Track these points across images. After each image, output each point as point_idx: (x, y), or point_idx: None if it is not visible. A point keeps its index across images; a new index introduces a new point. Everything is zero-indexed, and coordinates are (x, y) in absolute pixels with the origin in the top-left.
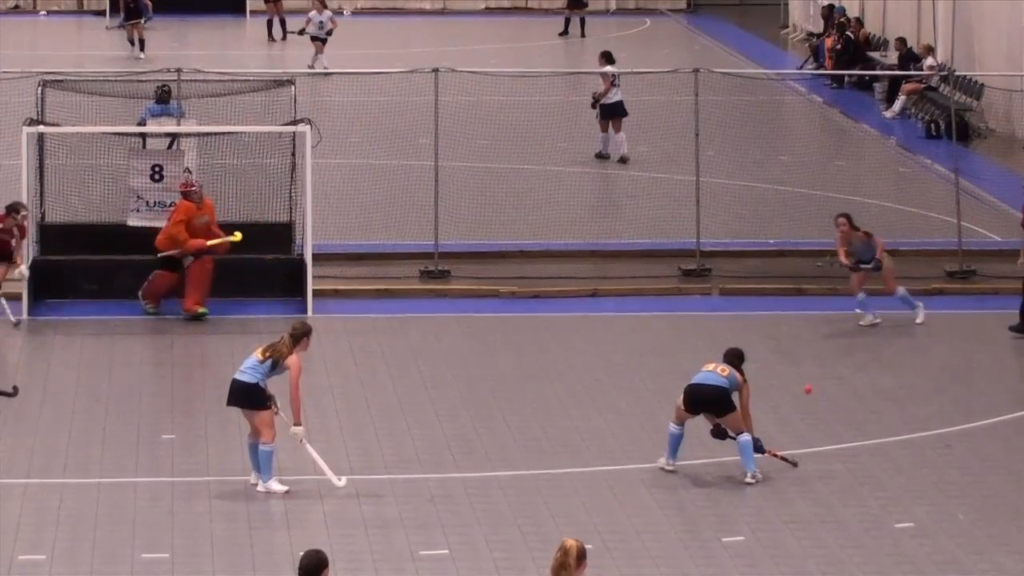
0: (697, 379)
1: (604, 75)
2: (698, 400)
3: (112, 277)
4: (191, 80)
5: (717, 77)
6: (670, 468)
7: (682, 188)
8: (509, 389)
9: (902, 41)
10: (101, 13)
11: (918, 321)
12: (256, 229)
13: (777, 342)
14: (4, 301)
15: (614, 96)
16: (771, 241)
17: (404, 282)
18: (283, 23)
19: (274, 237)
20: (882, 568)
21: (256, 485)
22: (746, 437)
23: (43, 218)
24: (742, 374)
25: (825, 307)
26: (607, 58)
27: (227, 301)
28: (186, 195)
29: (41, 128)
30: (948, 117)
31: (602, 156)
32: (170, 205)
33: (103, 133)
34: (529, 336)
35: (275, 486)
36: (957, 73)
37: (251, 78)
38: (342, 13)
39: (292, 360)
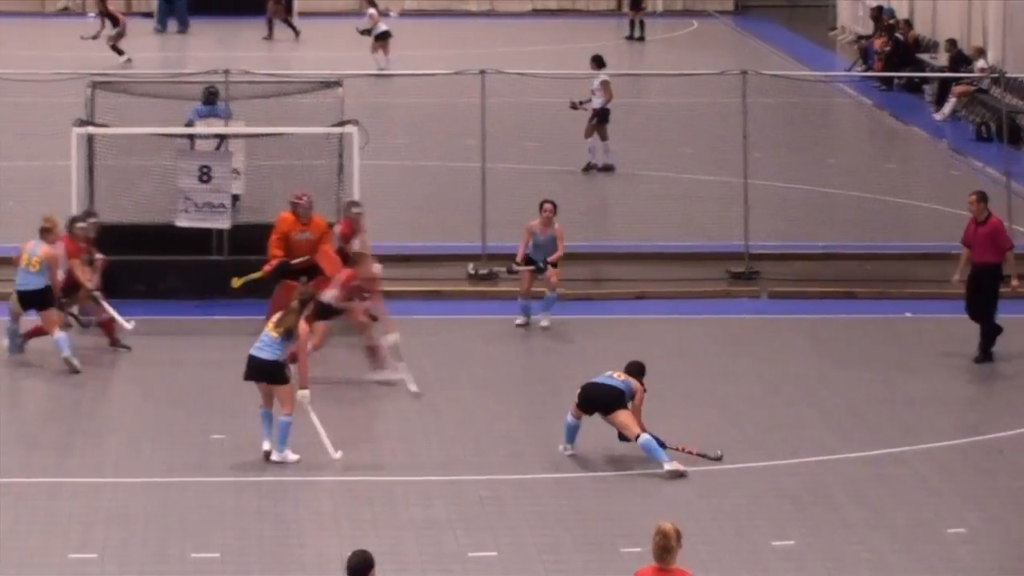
0: (595, 379)
1: (604, 81)
2: (590, 398)
3: (161, 278)
4: (239, 81)
5: (765, 79)
6: (568, 453)
7: (730, 190)
8: (557, 391)
9: (952, 43)
10: (149, 15)
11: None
12: None
13: (826, 345)
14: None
15: (599, 102)
16: (820, 244)
17: (452, 283)
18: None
19: None
20: (934, 573)
21: (270, 453)
22: (645, 436)
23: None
24: (641, 384)
25: (874, 311)
26: (599, 62)
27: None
28: (292, 206)
29: (91, 129)
30: (999, 119)
31: (608, 167)
32: (218, 206)
33: (152, 134)
34: (577, 338)
35: (290, 456)
36: (1008, 75)
37: (298, 79)
38: (388, 14)
39: (301, 327)
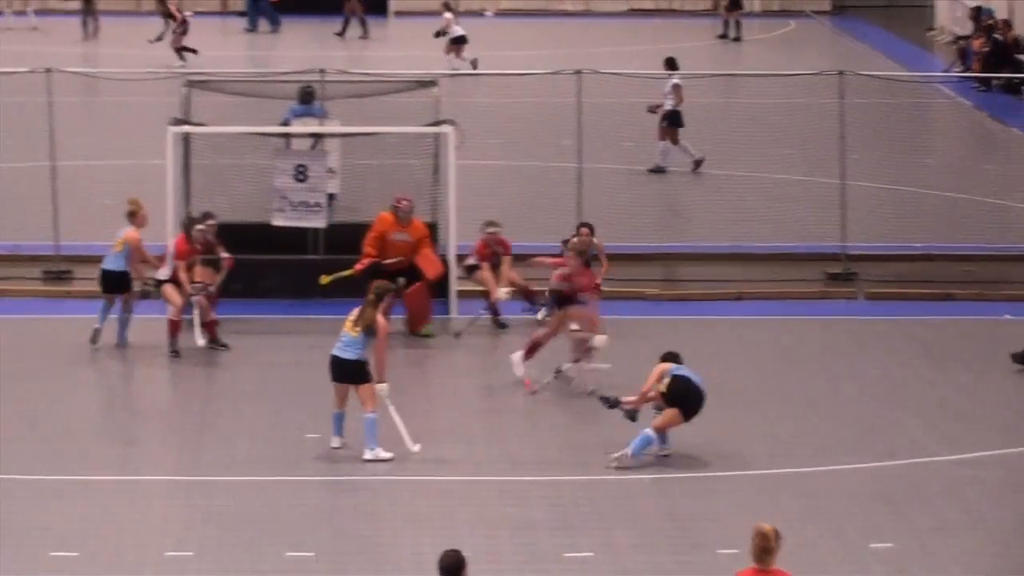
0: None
1: (676, 86)
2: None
3: (257, 277)
4: (334, 81)
5: (862, 80)
6: (664, 453)
7: (827, 191)
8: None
9: None
10: (244, 14)
11: None
12: None
13: (923, 346)
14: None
15: (671, 105)
16: (917, 245)
17: (544, 284)
18: (362, 21)
19: None
20: None
21: (339, 448)
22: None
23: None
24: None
25: (973, 312)
26: (671, 64)
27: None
28: (393, 208)
29: (186, 128)
30: None
31: (659, 168)
32: (314, 205)
33: (247, 133)
34: (674, 339)
35: (383, 453)
36: None
37: (394, 79)
38: (484, 14)
39: (380, 322)
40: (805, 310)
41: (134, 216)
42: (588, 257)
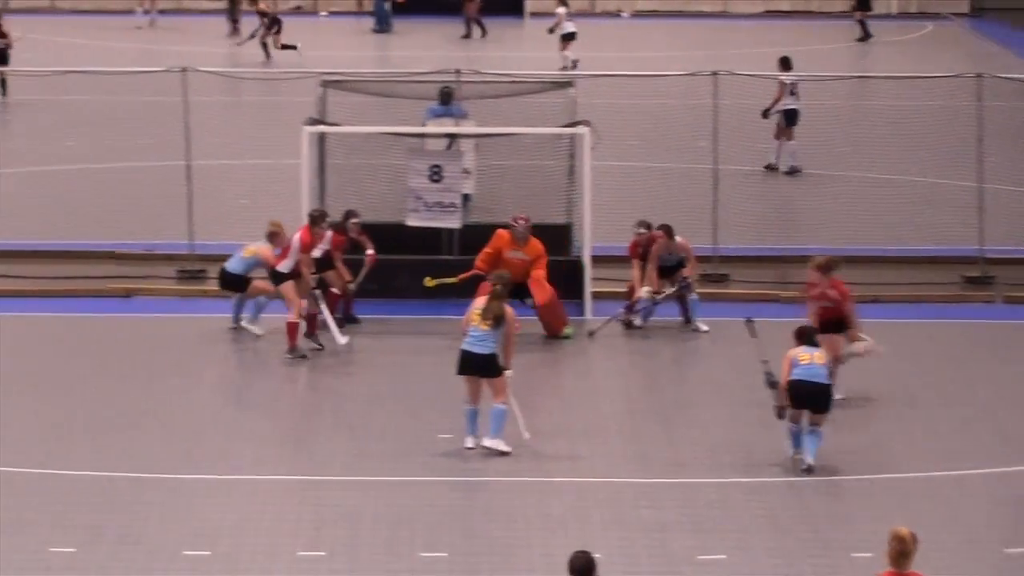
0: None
1: (780, 82)
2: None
3: (392, 277)
4: (470, 81)
5: (1001, 82)
6: (798, 458)
7: (964, 194)
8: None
9: None
10: (370, 14)
11: None
12: (534, 230)
13: None
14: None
15: (789, 104)
16: None
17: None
18: (480, 23)
19: (552, 238)
20: None
21: (473, 448)
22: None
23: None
24: None
25: None
26: (785, 63)
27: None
28: (510, 227)
29: (322, 128)
30: None
31: (772, 167)
32: (449, 205)
33: (382, 133)
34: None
35: (503, 446)
36: None
37: (530, 80)
38: (620, 16)
39: (508, 312)
40: (942, 314)
41: (274, 237)
42: (830, 269)
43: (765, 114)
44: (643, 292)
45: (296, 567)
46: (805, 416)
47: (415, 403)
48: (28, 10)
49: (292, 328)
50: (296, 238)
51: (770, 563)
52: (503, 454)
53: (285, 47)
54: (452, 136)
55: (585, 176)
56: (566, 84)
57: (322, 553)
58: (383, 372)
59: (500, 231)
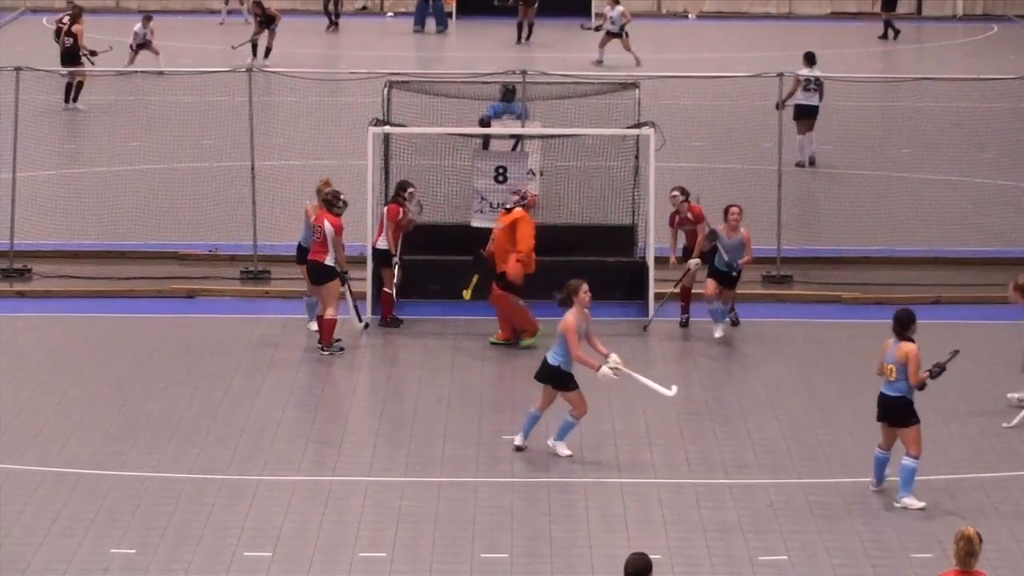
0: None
1: (795, 77)
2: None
3: (456, 278)
4: (535, 82)
5: None
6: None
7: None
8: (851, 395)
9: None
10: (410, 14)
11: None
12: (598, 231)
13: None
14: (352, 301)
15: (806, 99)
16: None
17: (745, 286)
18: (531, 27)
19: (616, 240)
20: None
21: (521, 448)
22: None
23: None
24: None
25: None
26: (809, 60)
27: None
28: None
29: (387, 128)
30: None
31: (801, 164)
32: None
33: (447, 134)
34: (871, 343)
35: (563, 449)
36: None
37: (595, 80)
38: (686, 17)
39: (565, 322)
40: (1005, 315)
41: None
42: None
43: (779, 106)
44: (691, 263)
45: (357, 568)
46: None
47: (479, 404)
48: (94, 10)
49: (328, 325)
50: (328, 226)
51: (831, 563)
52: (566, 456)
53: (267, 51)
54: (518, 137)
55: (650, 177)
56: (631, 85)
57: (383, 554)
58: (446, 373)
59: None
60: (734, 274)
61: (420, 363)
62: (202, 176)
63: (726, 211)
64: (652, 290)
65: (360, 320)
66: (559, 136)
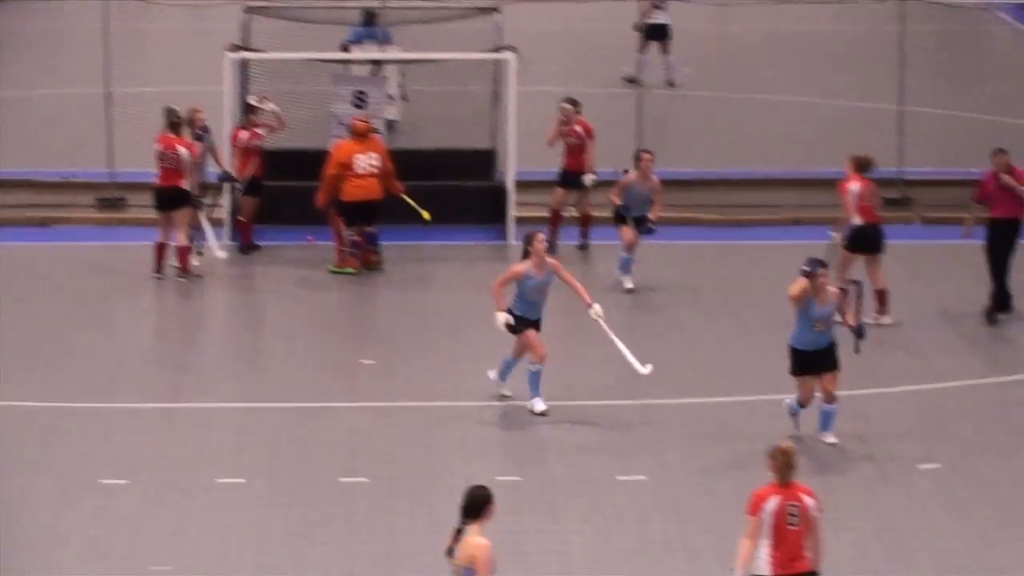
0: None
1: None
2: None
3: (313, 203)
4: (396, 7)
5: (923, 6)
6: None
7: (885, 117)
8: (711, 316)
9: None
10: None
11: None
12: (458, 156)
13: (979, 271)
14: (209, 228)
15: (657, 18)
16: (975, 171)
17: (604, 209)
18: None
19: (476, 164)
20: None
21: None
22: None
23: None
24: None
25: None
26: None
27: (427, 228)
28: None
29: (244, 54)
30: None
31: (633, 80)
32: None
33: (306, 59)
34: (731, 264)
35: (539, 405)
36: None
37: (455, 5)
38: None
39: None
40: None
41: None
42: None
43: (637, 28)
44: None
45: (215, 494)
46: None
47: (337, 329)
48: None
49: (183, 251)
50: (183, 151)
51: (689, 482)
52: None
53: None
54: (376, 62)
55: (510, 102)
56: (492, 10)
57: (241, 480)
58: (305, 299)
59: (338, 144)
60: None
61: (278, 290)
62: (57, 103)
63: (637, 157)
64: (512, 213)
65: (215, 248)
66: (419, 61)
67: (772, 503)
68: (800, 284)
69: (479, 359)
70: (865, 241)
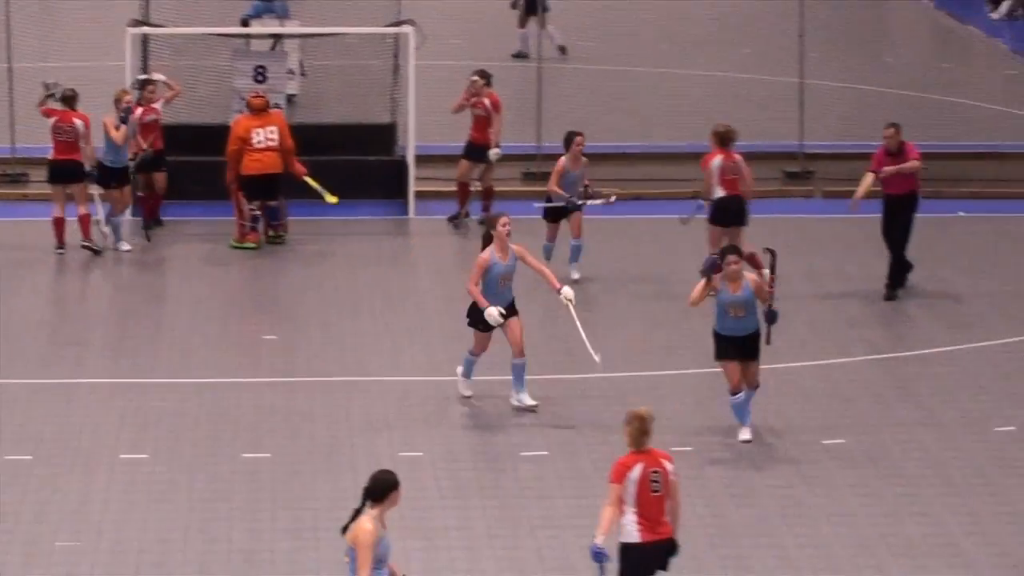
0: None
1: None
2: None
3: (217, 178)
4: None
5: None
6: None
7: (786, 90)
8: (611, 291)
9: None
10: None
11: None
12: (358, 130)
13: (880, 244)
14: (100, 204)
15: None
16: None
17: (506, 183)
18: None
19: (376, 138)
20: (982, 470)
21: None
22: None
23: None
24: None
25: (929, 210)
26: None
27: (328, 203)
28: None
29: (145, 29)
30: None
31: (521, 55)
32: (273, 106)
33: (207, 34)
34: (629, 238)
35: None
36: None
37: None
38: None
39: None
40: (762, 208)
41: None
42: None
43: (512, 4)
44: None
45: (119, 469)
46: None
47: (240, 304)
48: None
49: (84, 220)
50: (79, 123)
51: (591, 457)
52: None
53: None
54: (276, 36)
55: (409, 76)
56: None
57: (144, 455)
58: (208, 274)
59: (236, 119)
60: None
61: (180, 265)
62: None
63: (568, 139)
64: (412, 188)
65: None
66: (319, 35)
67: (636, 471)
68: (697, 289)
69: (380, 335)
70: (729, 215)
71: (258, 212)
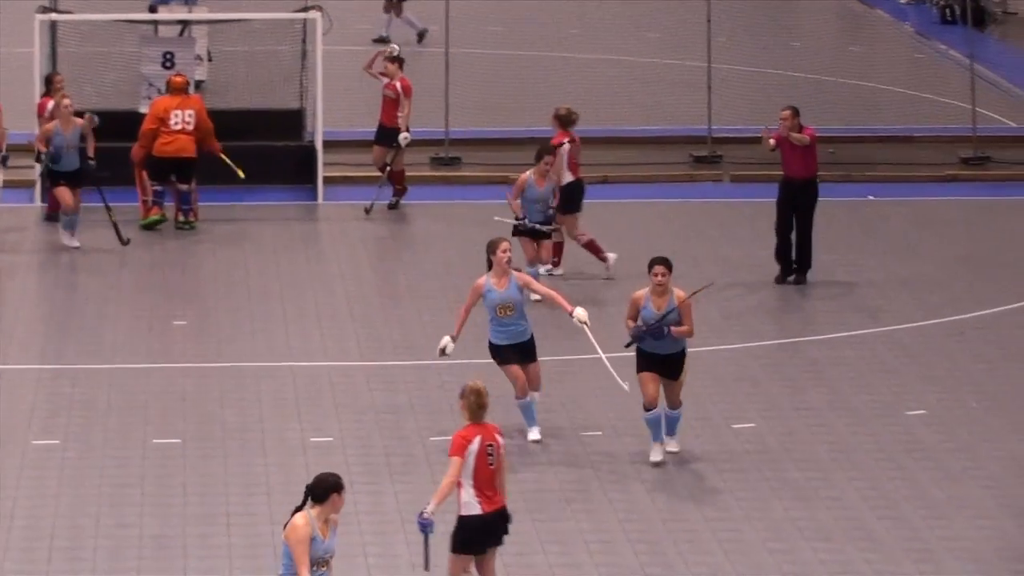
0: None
1: None
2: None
3: (125, 164)
4: None
5: None
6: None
7: (693, 74)
8: None
9: None
10: None
11: None
12: (267, 116)
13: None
14: None
15: None
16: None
17: (415, 169)
18: None
19: (285, 124)
20: (892, 454)
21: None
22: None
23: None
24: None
25: (837, 194)
26: None
27: (237, 188)
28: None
29: (54, 16)
30: (963, 2)
31: (382, 39)
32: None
33: (115, 20)
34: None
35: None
36: None
37: None
38: None
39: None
40: (671, 193)
41: None
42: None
43: None
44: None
45: (31, 455)
46: None
47: (148, 291)
48: None
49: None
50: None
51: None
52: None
53: None
54: (184, 22)
55: (317, 61)
56: None
57: (56, 441)
58: (116, 260)
59: (156, 99)
60: (549, 229)
61: (90, 251)
62: None
63: (539, 155)
64: (321, 173)
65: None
66: (227, 21)
67: (475, 443)
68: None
69: (290, 320)
70: (577, 199)
71: (159, 188)
